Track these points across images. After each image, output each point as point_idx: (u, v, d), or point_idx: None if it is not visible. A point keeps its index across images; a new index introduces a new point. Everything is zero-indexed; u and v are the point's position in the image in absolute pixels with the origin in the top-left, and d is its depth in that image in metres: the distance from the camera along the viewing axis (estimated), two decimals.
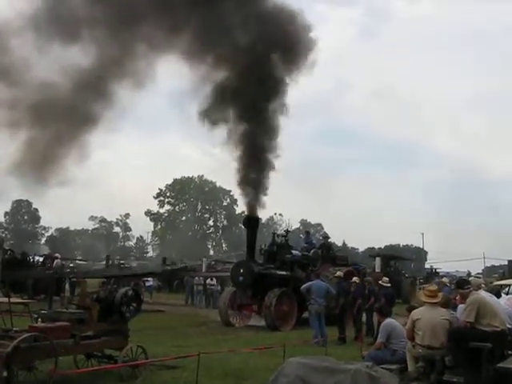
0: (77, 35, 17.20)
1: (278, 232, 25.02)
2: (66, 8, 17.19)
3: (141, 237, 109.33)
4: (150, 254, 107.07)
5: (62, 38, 16.94)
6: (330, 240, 27.22)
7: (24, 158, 16.50)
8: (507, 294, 16.50)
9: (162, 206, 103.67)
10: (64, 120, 17.16)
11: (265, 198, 20.55)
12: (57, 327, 8.84)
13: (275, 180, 21.37)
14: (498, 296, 11.02)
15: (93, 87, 17.54)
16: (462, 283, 9.51)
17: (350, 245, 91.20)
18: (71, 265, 35.82)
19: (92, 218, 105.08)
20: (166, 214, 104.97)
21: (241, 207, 70.75)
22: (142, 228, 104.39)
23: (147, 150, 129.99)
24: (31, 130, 16.83)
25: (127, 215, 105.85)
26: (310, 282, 16.35)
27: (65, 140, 17.23)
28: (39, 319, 9.81)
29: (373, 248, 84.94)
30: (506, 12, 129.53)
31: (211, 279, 31.45)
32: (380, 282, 16.97)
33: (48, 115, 16.92)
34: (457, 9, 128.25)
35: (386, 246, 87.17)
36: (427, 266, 67.00)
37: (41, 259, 32.02)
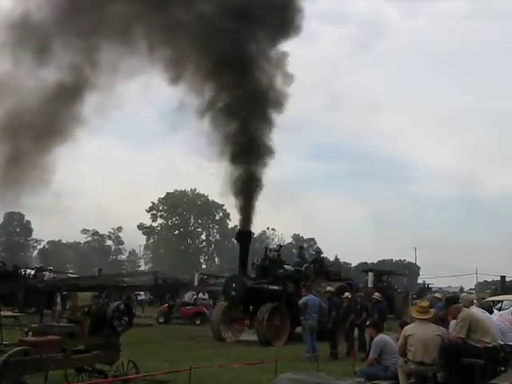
0: (48, 51, 17.38)
1: (271, 247, 25.03)
2: (36, 25, 17.33)
3: (133, 250, 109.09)
4: (142, 267, 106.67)
5: (33, 54, 17.13)
6: (322, 255, 27.23)
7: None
8: (499, 309, 16.51)
9: (154, 220, 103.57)
10: (38, 133, 17.24)
11: (257, 213, 20.63)
12: (47, 341, 8.76)
13: (267, 195, 21.45)
14: (491, 312, 11.02)
15: (70, 99, 17.69)
16: (451, 300, 9.54)
17: (342, 260, 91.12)
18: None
19: (84, 231, 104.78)
20: (158, 228, 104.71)
21: (233, 221, 70.79)
22: (135, 241, 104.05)
23: (140, 163, 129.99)
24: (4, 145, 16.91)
25: (120, 228, 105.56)
26: (306, 297, 16.28)
27: (36, 154, 17.29)
28: (30, 333, 9.73)
29: (365, 263, 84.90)
30: (499, 28, 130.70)
31: (203, 293, 31.36)
32: (373, 296, 16.98)
33: (24, 129, 17.00)
34: (449, 24, 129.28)
35: (378, 261, 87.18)
36: (420, 281, 67.17)
37: (32, 272, 31.83)
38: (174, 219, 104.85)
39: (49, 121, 17.38)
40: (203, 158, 21.55)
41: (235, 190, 20.41)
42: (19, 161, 16.90)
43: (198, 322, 27.04)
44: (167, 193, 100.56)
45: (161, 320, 27.17)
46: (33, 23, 17.22)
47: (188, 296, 30.98)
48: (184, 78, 20.35)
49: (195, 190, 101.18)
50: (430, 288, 50.74)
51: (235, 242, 27.24)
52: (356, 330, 16.60)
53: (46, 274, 30.62)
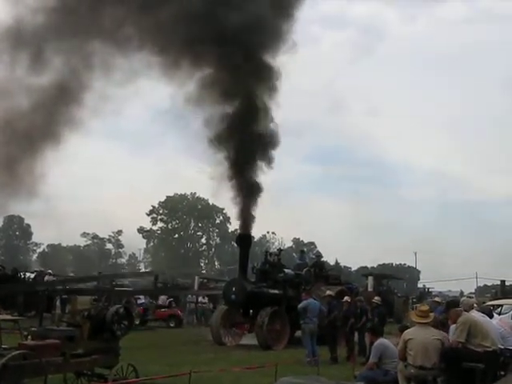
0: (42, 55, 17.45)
1: (271, 251, 25.04)
2: (30, 29, 17.41)
3: (133, 254, 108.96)
4: (142, 271, 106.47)
5: (27, 58, 17.22)
6: (322, 259, 27.21)
7: None
8: (499, 314, 16.48)
9: (154, 223, 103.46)
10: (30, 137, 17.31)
11: (257, 217, 20.62)
12: (47, 345, 8.75)
13: (268, 198, 21.44)
14: (491, 316, 11.01)
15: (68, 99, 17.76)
16: (451, 304, 9.53)
17: (342, 263, 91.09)
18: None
19: (84, 234, 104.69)
20: (158, 232, 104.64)
21: (233, 225, 70.79)
22: (135, 245, 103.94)
23: (140, 167, 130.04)
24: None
25: (119, 232, 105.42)
26: (306, 301, 16.23)
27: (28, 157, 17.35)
28: (29, 336, 9.71)
29: (365, 267, 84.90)
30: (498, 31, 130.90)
31: (203, 297, 31.32)
32: (373, 300, 16.98)
33: (18, 133, 17.05)
34: (449, 28, 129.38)
35: (378, 265, 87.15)
36: (420, 285, 67.03)
37: (32, 275, 31.81)
38: (174, 223, 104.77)
39: (44, 124, 17.43)
40: (203, 162, 21.44)
41: (234, 193, 20.45)
42: (11, 165, 16.93)
43: (172, 325, 27.54)
44: (167, 196, 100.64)
45: (136, 322, 27.29)
46: (26, 28, 17.29)
47: (162, 299, 31.06)
48: (180, 68, 20.36)
49: (195, 193, 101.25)
50: (430, 292, 50.70)
51: (235, 245, 27.24)
52: (356, 335, 16.57)
53: (46, 277, 30.58)
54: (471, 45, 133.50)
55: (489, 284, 67.48)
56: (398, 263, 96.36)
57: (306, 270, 22.13)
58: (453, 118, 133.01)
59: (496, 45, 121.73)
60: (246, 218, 20.43)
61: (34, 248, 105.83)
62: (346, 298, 17.09)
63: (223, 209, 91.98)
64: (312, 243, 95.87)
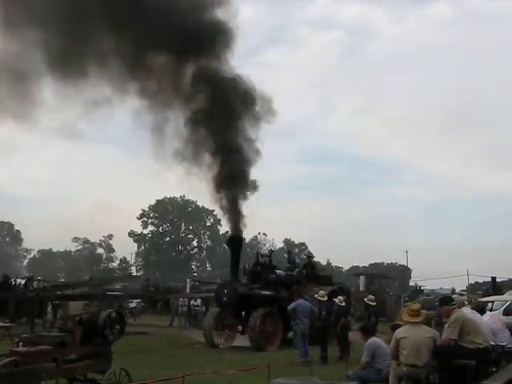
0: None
1: (262, 252, 25.05)
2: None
3: (124, 258, 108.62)
4: (134, 275, 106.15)
5: None
6: (314, 259, 27.21)
7: None
8: (491, 310, 16.59)
9: (145, 227, 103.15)
10: None
11: (247, 218, 20.63)
12: (38, 351, 8.69)
13: (258, 199, 21.43)
14: (482, 313, 11.06)
15: None
16: (445, 300, 9.54)
17: (334, 263, 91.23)
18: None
19: (75, 239, 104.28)
20: (149, 235, 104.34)
21: (224, 227, 70.65)
22: (126, 249, 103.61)
23: (130, 170, 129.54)
24: None
25: (110, 236, 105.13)
26: (296, 302, 16.26)
27: None
28: (21, 343, 9.65)
29: (357, 266, 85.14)
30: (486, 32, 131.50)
31: (195, 300, 31.29)
32: (365, 300, 17.03)
33: None
34: (437, 29, 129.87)
35: (370, 265, 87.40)
36: (412, 283, 67.27)
37: (22, 281, 31.66)
38: (164, 226, 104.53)
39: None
40: (192, 163, 21.31)
41: (225, 195, 20.44)
42: None
43: None
44: (157, 200, 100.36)
45: None
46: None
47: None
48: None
49: (184, 196, 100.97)
50: (422, 290, 50.87)
51: (226, 247, 27.24)
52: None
53: (35, 283, 30.48)
54: (458, 45, 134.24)
55: (480, 281, 67.82)
56: (389, 262, 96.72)
57: (298, 270, 22.15)
58: (442, 115, 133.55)
59: (485, 45, 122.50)
60: (237, 220, 20.45)
61: (25, 254, 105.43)
62: (339, 298, 17.08)
63: (213, 210, 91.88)
64: (303, 244, 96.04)
